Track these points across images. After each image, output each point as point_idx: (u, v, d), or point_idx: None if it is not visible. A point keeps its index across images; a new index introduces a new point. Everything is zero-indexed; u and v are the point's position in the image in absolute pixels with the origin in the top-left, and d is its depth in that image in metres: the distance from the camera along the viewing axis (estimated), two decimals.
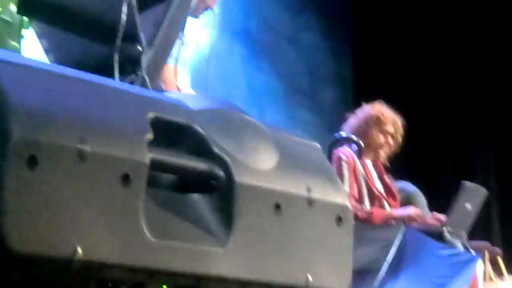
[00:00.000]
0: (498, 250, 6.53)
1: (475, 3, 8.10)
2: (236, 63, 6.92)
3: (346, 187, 4.44)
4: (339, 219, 1.86)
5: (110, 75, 2.42)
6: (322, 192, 1.83)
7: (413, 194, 5.01)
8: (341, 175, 4.42)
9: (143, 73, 2.58)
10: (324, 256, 1.82)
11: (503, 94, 8.33)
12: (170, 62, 4.03)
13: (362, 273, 3.70)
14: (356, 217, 4.24)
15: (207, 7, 4.19)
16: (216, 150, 1.66)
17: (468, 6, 8.13)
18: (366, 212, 4.44)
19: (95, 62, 2.56)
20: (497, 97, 8.37)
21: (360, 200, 4.55)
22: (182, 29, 3.49)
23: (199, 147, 1.66)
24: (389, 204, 4.67)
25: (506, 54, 8.11)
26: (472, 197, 4.68)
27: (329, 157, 4.50)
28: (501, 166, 8.46)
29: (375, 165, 4.82)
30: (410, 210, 4.53)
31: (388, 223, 4.40)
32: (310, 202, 1.79)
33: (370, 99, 5.07)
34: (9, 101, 1.39)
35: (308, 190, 1.79)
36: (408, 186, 5.12)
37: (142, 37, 2.58)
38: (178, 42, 3.72)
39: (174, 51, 3.90)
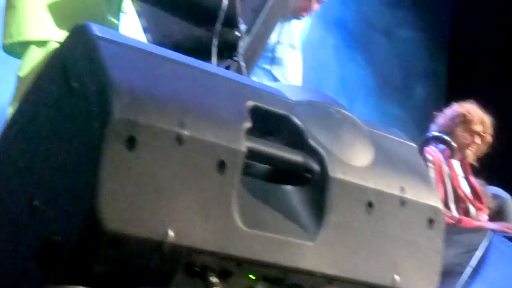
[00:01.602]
0: None
1: None
2: (329, 53, 6.88)
3: None
4: (431, 221, 1.83)
5: (207, 58, 2.43)
6: (416, 193, 1.80)
7: (504, 201, 4.90)
8: None
9: (240, 59, 2.59)
10: (413, 258, 1.79)
11: None
12: None
13: (444, 276, 3.64)
14: None
15: (310, 10, 4.21)
16: (312, 143, 1.65)
17: None
18: (455, 219, 4.37)
19: (192, 44, 2.58)
20: None
21: (445, 202, 4.47)
22: (281, 18, 3.51)
23: (296, 139, 1.65)
24: (475, 207, 4.58)
25: None
26: None
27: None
28: None
29: (462, 166, 4.73)
30: (500, 226, 4.45)
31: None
32: (403, 202, 1.76)
33: (462, 98, 4.98)
34: (111, 79, 1.41)
35: (402, 190, 1.77)
36: (501, 193, 5.00)
37: (241, 23, 2.58)
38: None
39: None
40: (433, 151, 4.59)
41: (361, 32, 7.25)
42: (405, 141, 1.91)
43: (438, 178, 4.50)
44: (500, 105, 4.96)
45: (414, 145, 1.94)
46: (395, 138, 1.89)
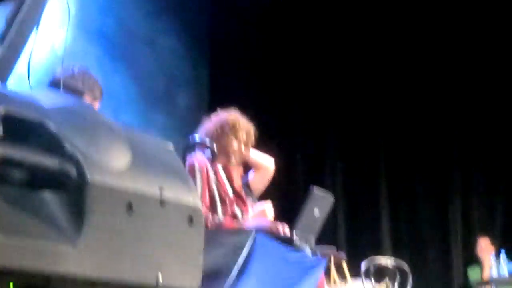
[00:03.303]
0: (343, 254, 6.76)
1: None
2: (92, 64, 6.81)
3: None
4: (191, 220, 1.88)
5: None
6: (174, 193, 1.84)
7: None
8: (193, 182, 4.39)
9: None
10: (175, 256, 1.83)
11: (352, 105, 8.61)
12: None
13: (211, 276, 3.71)
14: (205, 227, 4.23)
15: None
16: (68, 148, 1.65)
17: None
18: (216, 224, 4.45)
19: None
20: (344, 104, 8.65)
21: (212, 207, 4.56)
22: (36, 27, 3.44)
23: (51, 144, 1.64)
24: (240, 210, 4.70)
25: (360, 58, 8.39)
26: (320, 203, 4.77)
27: (183, 162, 4.48)
28: (348, 175, 8.73)
29: (225, 170, 4.85)
30: (263, 223, 4.57)
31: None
32: (162, 202, 1.80)
33: (225, 104, 5.11)
34: None
35: (161, 190, 1.80)
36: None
37: None
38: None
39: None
40: (200, 158, 4.65)
41: (123, 42, 7.26)
42: (162, 142, 1.95)
43: (205, 185, 4.57)
44: (258, 110, 5.15)
45: (170, 145, 1.99)
46: (151, 139, 1.93)
